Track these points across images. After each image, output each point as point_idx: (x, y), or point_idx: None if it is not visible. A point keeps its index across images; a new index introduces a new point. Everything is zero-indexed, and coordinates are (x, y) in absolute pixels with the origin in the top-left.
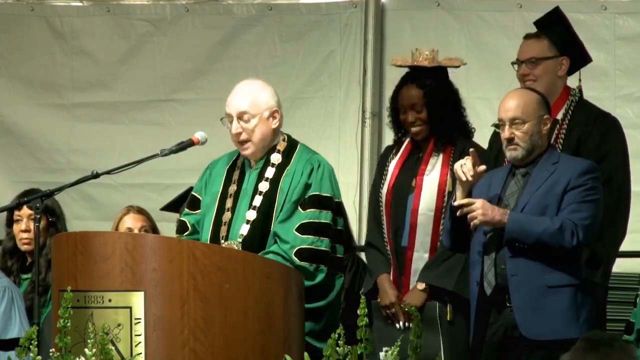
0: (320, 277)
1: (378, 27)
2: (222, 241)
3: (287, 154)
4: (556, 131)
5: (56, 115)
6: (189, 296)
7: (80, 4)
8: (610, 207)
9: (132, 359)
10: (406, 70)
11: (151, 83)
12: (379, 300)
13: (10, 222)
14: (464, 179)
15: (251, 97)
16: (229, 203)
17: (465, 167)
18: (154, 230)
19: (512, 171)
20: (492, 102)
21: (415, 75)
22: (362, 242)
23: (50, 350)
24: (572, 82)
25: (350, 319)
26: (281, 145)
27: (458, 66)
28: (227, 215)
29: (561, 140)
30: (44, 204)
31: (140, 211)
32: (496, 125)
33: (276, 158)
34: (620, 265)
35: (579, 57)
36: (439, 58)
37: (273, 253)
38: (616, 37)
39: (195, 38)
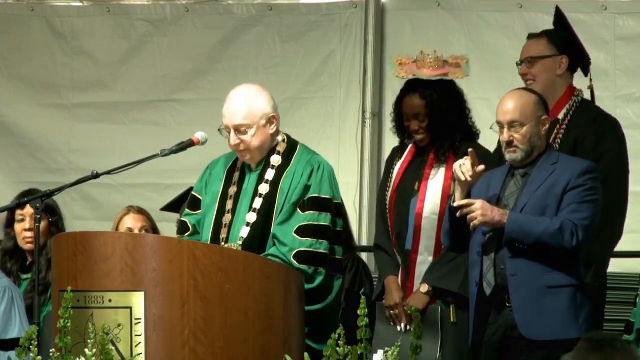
0: (318, 279)
1: (378, 27)
2: (222, 243)
3: (287, 155)
4: (555, 131)
5: (56, 115)
6: (189, 296)
7: (80, 4)
8: (605, 208)
9: (132, 359)
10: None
11: (151, 83)
12: (383, 300)
13: (10, 222)
14: (462, 178)
15: (247, 107)
16: (229, 204)
17: (464, 167)
18: (154, 230)
19: (511, 171)
20: (492, 102)
21: (418, 83)
22: (362, 242)
23: (50, 350)
24: (581, 82)
25: (350, 319)
26: (281, 146)
27: (461, 78)
28: (227, 217)
29: (559, 141)
30: (44, 204)
31: (141, 211)
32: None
33: (276, 160)
34: (620, 265)
35: (578, 56)
36: (444, 58)
37: (271, 256)
38: (616, 37)
39: (195, 38)
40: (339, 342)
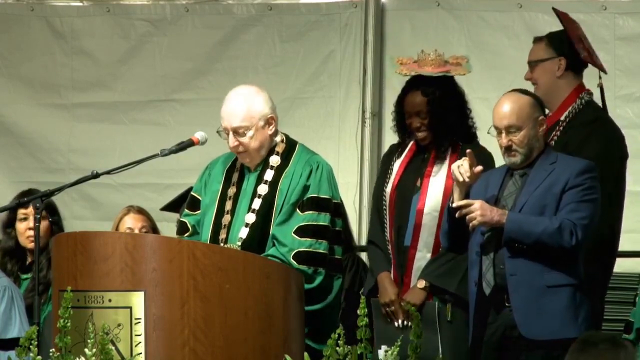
0: (318, 279)
1: (378, 27)
2: (222, 244)
3: (286, 156)
4: (554, 132)
5: (56, 115)
6: (189, 296)
7: (80, 4)
8: None
9: (132, 359)
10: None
11: (151, 83)
12: (378, 297)
13: (11, 221)
14: (460, 179)
15: (245, 109)
16: (228, 205)
17: (462, 167)
18: (154, 230)
19: (510, 171)
20: (492, 102)
21: (420, 81)
22: (362, 242)
23: (50, 350)
24: (591, 82)
25: (350, 319)
26: (280, 147)
27: (463, 74)
28: (226, 218)
29: (553, 143)
30: (44, 204)
31: (141, 211)
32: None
33: (275, 160)
34: (620, 265)
35: (578, 57)
36: (445, 58)
37: (271, 256)
38: (616, 37)
39: (195, 38)
40: (339, 342)
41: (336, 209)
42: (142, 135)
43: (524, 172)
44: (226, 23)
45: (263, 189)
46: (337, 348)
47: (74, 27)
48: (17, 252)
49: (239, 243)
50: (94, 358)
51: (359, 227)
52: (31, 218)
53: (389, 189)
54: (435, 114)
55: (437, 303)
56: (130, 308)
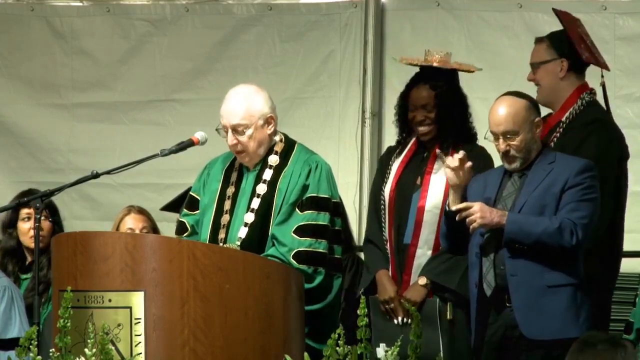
0: (318, 279)
1: (378, 27)
2: (221, 244)
3: (285, 155)
4: (555, 133)
5: (56, 115)
6: (189, 296)
7: (80, 4)
8: None
9: (132, 359)
10: (410, 71)
11: (151, 83)
12: (377, 295)
13: (12, 222)
14: (455, 179)
15: (245, 107)
16: (227, 205)
17: (453, 163)
18: (155, 230)
19: (508, 172)
20: (492, 102)
21: (428, 75)
22: (362, 242)
23: (50, 350)
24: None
25: (350, 319)
26: (278, 146)
27: (472, 71)
28: (225, 218)
29: (553, 144)
30: (44, 204)
31: (141, 211)
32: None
33: (274, 160)
34: (621, 266)
35: (579, 57)
36: (450, 62)
37: (271, 256)
38: (616, 37)
39: (195, 38)
40: (339, 342)
41: (335, 209)
42: (142, 135)
43: (523, 172)
44: (226, 23)
45: (262, 189)
46: (337, 348)
47: (74, 27)
48: (17, 252)
49: (238, 243)
50: (94, 358)
51: (359, 227)
52: (34, 217)
53: (388, 188)
54: (442, 107)
55: (437, 300)
56: (130, 308)
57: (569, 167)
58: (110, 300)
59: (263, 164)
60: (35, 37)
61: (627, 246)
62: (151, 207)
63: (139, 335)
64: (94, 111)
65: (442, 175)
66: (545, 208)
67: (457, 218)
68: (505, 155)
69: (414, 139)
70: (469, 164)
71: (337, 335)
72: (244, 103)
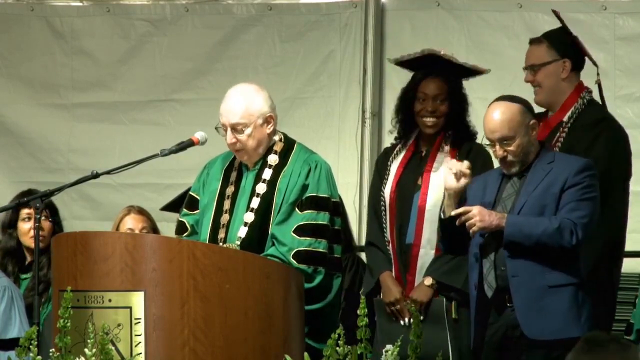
0: (318, 279)
1: (378, 27)
2: (221, 244)
3: (284, 155)
4: (558, 133)
5: (56, 115)
6: (189, 296)
7: (80, 4)
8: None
9: (132, 359)
10: (410, 71)
11: (151, 83)
12: (381, 297)
13: (12, 222)
14: (454, 183)
15: (244, 106)
16: (226, 205)
17: (451, 164)
18: (155, 230)
19: None
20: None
21: (439, 69)
22: (362, 242)
23: (50, 350)
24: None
25: (350, 319)
26: (278, 146)
27: (485, 72)
28: (225, 218)
29: (559, 144)
30: (44, 204)
31: (141, 212)
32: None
33: (273, 159)
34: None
35: (580, 57)
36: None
37: (271, 256)
38: (616, 37)
39: (195, 38)
40: (339, 342)
41: (335, 208)
42: (142, 135)
43: (522, 174)
44: (226, 23)
45: (262, 188)
46: (337, 348)
47: (74, 27)
48: (17, 252)
49: (238, 242)
50: (94, 358)
51: (358, 227)
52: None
53: (387, 189)
54: (454, 100)
55: (444, 300)
56: (130, 308)
57: (568, 166)
58: (110, 300)
59: (262, 163)
60: (35, 37)
61: (627, 246)
62: (151, 207)
63: (139, 335)
64: (94, 111)
65: (442, 172)
66: (545, 208)
67: (457, 223)
68: (502, 160)
69: (412, 139)
70: (466, 162)
71: (337, 335)
72: (244, 102)
